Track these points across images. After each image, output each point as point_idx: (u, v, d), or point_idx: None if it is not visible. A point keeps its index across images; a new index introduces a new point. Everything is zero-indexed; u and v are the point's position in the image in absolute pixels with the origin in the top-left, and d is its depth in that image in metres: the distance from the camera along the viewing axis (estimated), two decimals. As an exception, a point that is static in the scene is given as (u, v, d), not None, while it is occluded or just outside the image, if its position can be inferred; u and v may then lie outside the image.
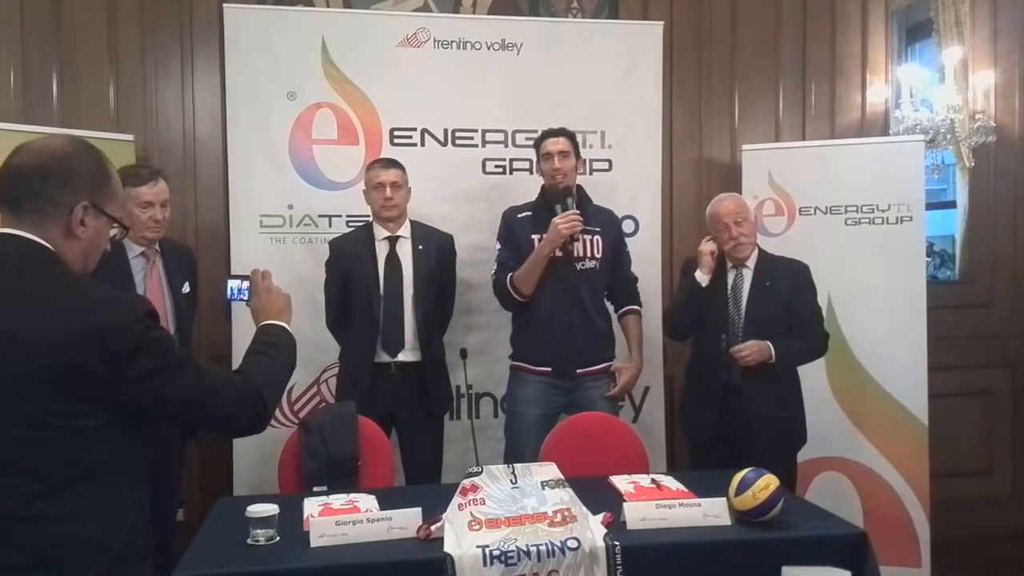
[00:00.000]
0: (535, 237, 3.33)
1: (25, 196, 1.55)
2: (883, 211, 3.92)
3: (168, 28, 3.97)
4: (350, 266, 3.40)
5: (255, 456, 3.64)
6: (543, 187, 3.45)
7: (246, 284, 2.10)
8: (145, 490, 1.66)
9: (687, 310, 3.38)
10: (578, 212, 3.25)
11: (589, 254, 3.37)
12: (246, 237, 3.76)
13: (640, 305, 3.56)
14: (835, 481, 3.91)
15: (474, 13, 4.21)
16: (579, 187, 3.46)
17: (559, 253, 3.29)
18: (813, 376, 3.61)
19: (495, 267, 3.43)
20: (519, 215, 3.44)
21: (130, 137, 3.74)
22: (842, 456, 3.91)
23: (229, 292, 2.12)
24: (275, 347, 1.88)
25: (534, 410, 3.36)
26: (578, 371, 3.36)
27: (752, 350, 3.15)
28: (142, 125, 3.92)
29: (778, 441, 3.25)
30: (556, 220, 3.22)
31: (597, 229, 3.39)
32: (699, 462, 3.36)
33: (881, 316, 3.87)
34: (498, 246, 3.45)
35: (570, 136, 3.41)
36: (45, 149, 1.60)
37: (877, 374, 3.91)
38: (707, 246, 3.33)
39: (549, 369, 3.36)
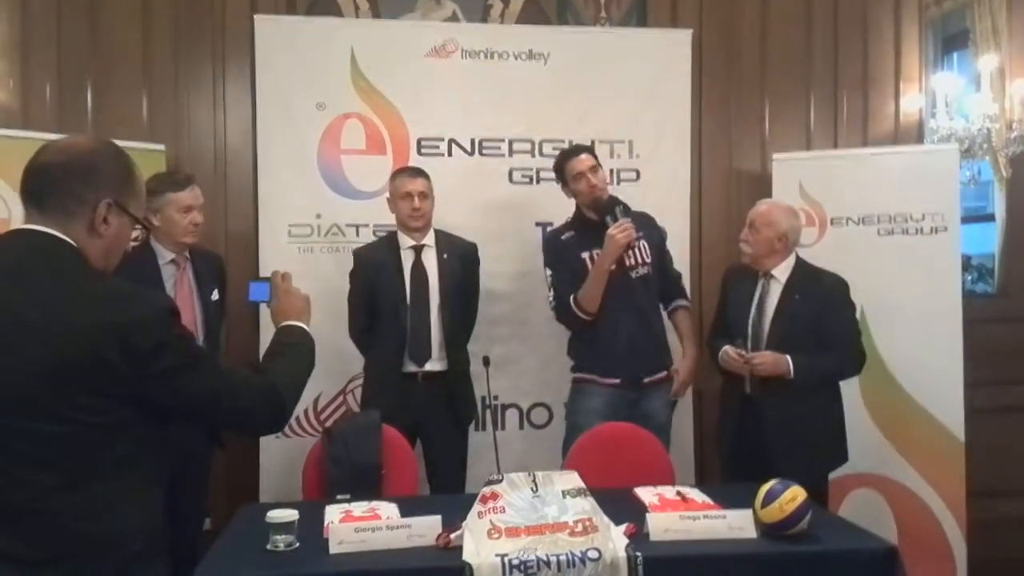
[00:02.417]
0: (585, 255, 3.32)
1: (50, 192, 1.57)
2: (917, 221, 3.84)
3: (200, 41, 4.01)
4: (376, 276, 3.40)
5: (282, 465, 3.65)
6: (580, 205, 3.42)
7: (267, 286, 2.11)
8: (163, 488, 1.67)
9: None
10: (630, 220, 3.25)
11: (641, 260, 3.37)
12: (275, 246, 3.79)
13: (688, 300, 3.58)
14: (868, 499, 3.82)
15: (502, 23, 4.22)
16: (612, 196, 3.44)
17: (613, 265, 3.27)
18: (846, 391, 3.49)
19: (551, 294, 3.39)
20: (562, 236, 3.42)
21: (161, 147, 3.79)
22: (876, 473, 3.82)
23: (251, 293, 2.14)
24: (294, 347, 1.89)
25: (600, 421, 3.31)
26: (645, 380, 3.36)
27: (766, 360, 3.07)
28: (174, 135, 3.96)
29: (799, 458, 3.09)
30: (612, 232, 3.21)
31: (641, 234, 3.37)
32: (728, 477, 3.30)
33: (916, 329, 3.78)
34: (548, 272, 3.42)
35: (591, 151, 3.42)
36: (70, 147, 1.62)
37: (912, 389, 3.82)
38: (731, 355, 3.17)
39: (618, 380, 3.34)
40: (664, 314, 3.54)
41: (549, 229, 3.51)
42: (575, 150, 3.40)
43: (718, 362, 3.29)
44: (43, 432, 1.48)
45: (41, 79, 3.84)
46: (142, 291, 1.60)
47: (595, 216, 3.35)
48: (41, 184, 1.58)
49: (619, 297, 3.31)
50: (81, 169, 1.58)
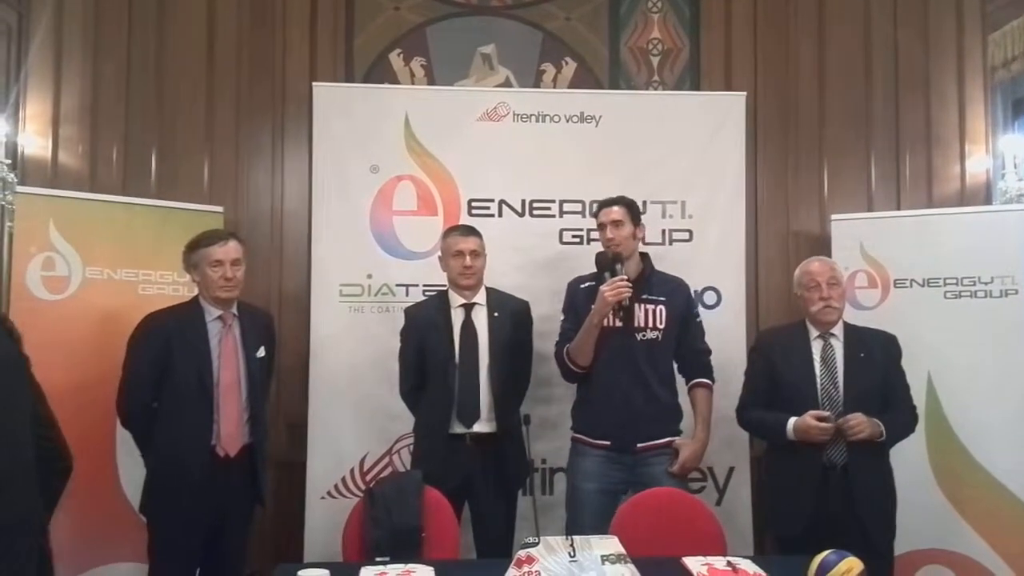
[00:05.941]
0: (594, 307, 3.26)
1: None
2: (985, 283, 3.70)
3: (261, 107, 4.16)
4: (426, 334, 3.37)
5: (327, 526, 3.60)
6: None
7: None
8: None
9: (763, 432, 3.27)
10: (625, 278, 3.15)
11: (651, 324, 3.25)
12: (326, 305, 3.81)
13: (712, 379, 3.37)
14: (939, 576, 3.61)
15: (554, 88, 4.26)
16: (644, 255, 3.37)
17: (618, 323, 3.19)
18: (912, 460, 3.38)
19: (558, 339, 3.36)
20: (582, 285, 3.38)
21: (220, 209, 3.88)
22: (946, 548, 3.61)
23: None
24: None
25: (593, 485, 3.23)
26: (638, 445, 3.22)
27: (862, 423, 2.92)
28: (233, 198, 4.09)
29: (886, 527, 3.02)
30: (603, 288, 3.13)
31: (661, 299, 3.28)
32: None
33: (986, 395, 3.60)
34: (562, 317, 3.39)
35: (626, 204, 3.32)
36: None
37: (984, 459, 3.62)
38: (818, 423, 2.98)
39: (608, 443, 3.23)
40: (684, 387, 3.39)
41: (576, 276, 3.46)
42: (610, 201, 3.33)
43: (760, 433, 3.18)
44: None
45: (108, 143, 4.02)
46: None
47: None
48: None
49: (619, 358, 3.21)
50: None
